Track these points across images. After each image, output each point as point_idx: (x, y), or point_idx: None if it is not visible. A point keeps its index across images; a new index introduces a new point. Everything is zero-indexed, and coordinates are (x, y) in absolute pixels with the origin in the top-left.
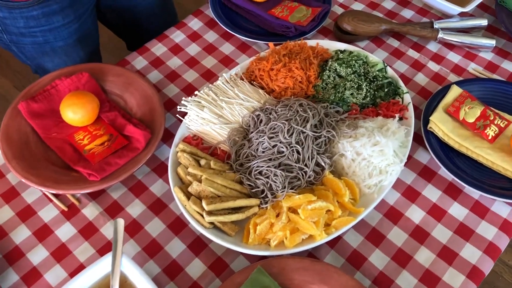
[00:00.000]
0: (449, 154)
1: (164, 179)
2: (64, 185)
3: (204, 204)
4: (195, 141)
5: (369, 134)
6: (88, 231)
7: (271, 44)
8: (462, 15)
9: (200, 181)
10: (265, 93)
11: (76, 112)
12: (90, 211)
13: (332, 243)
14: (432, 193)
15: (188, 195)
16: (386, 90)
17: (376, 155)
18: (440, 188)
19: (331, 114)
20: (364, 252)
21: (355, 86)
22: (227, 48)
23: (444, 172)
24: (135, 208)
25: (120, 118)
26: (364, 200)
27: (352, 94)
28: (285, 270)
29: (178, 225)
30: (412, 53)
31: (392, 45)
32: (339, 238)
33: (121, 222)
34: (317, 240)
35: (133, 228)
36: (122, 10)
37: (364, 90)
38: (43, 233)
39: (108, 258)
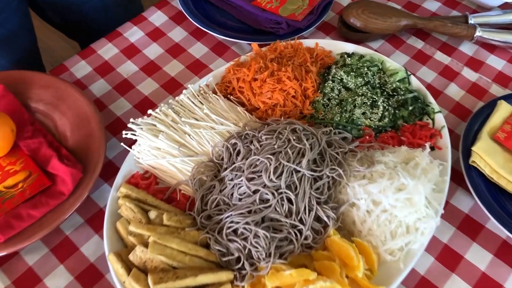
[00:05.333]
0: (500, 198)
1: (101, 234)
2: None
3: (150, 282)
4: (146, 181)
5: (390, 173)
6: None
7: (254, 45)
8: (504, 7)
9: (146, 244)
10: (245, 111)
11: None
12: None
13: None
14: (479, 256)
15: (130, 266)
16: (410, 108)
17: (401, 206)
18: (491, 249)
19: (336, 143)
20: None
21: (368, 103)
22: (198, 50)
23: (494, 225)
24: (58, 280)
25: (46, 147)
26: (384, 271)
27: (364, 113)
28: None
29: None
30: (440, 57)
31: (414, 46)
32: None
33: None
34: None
35: None
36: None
37: (381, 108)
38: None
39: None
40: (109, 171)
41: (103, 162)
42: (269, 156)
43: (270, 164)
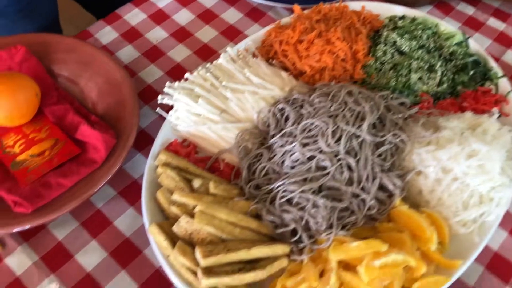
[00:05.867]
0: None
1: (137, 208)
2: None
3: (198, 255)
4: (186, 150)
5: (459, 139)
6: None
7: (296, 7)
8: None
9: (192, 215)
10: (291, 76)
11: (1, 104)
12: (19, 261)
13: None
14: None
15: (173, 238)
16: (470, 73)
17: (474, 173)
18: None
19: (395, 109)
20: None
21: (425, 67)
22: (231, 16)
23: None
24: (91, 256)
25: (73, 113)
26: (456, 246)
27: (420, 78)
28: None
29: (158, 286)
30: (494, 23)
31: (464, 12)
32: None
33: None
34: None
35: None
36: None
37: (439, 72)
38: None
39: None
40: (143, 141)
41: (136, 131)
42: (325, 119)
43: (328, 128)
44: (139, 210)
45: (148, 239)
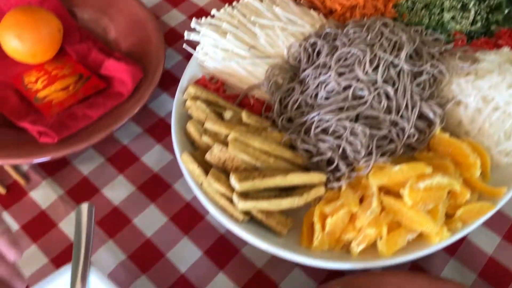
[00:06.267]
0: None
1: (164, 144)
2: (1, 151)
3: (234, 179)
4: (214, 86)
5: (498, 70)
6: (38, 227)
7: None
8: None
9: (225, 143)
10: (320, 15)
11: (24, 38)
12: (44, 195)
13: (453, 248)
14: None
15: (205, 167)
16: (506, 11)
17: None
18: None
19: (430, 44)
20: (506, 261)
21: (458, 6)
22: None
23: None
24: (118, 190)
25: (96, 52)
26: (498, 177)
27: (453, 17)
28: None
29: (188, 218)
30: None
31: None
32: (461, 239)
33: (88, 210)
34: (434, 242)
35: (114, 223)
36: None
37: (472, 11)
38: None
39: (66, 273)
40: (168, 81)
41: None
42: (363, 47)
43: (365, 56)
44: (166, 147)
45: (178, 173)
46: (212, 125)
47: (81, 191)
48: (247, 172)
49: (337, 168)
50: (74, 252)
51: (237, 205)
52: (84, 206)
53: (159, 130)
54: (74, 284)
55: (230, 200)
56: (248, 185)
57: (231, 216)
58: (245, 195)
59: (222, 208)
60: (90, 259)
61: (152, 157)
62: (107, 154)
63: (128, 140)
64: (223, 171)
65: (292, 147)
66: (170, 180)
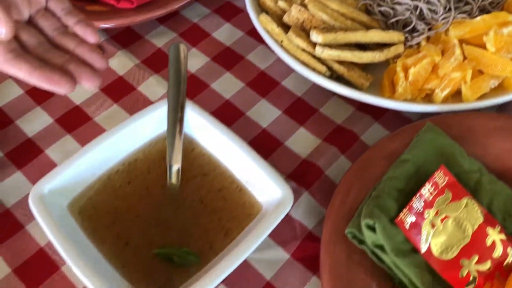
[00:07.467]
0: None
1: (234, 23)
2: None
3: (316, 34)
4: None
5: None
6: (117, 90)
7: None
8: None
9: (303, 5)
10: None
11: None
12: (120, 63)
13: None
14: None
15: (283, 29)
16: None
17: None
18: None
19: None
20: None
21: None
22: None
23: None
24: (192, 60)
25: None
26: None
27: None
28: (473, 133)
29: (264, 84)
30: None
31: None
32: None
33: (182, 47)
34: None
35: (193, 87)
36: None
37: None
38: (43, 93)
39: (160, 108)
40: None
41: None
42: None
43: None
44: (236, 25)
45: (250, 47)
46: None
47: (157, 61)
48: (327, 28)
49: (414, 29)
50: (171, 85)
51: (321, 55)
52: (179, 44)
53: (227, 10)
54: (175, 111)
55: (312, 56)
56: (331, 37)
57: (313, 69)
58: (328, 46)
59: (304, 63)
60: (185, 90)
61: (223, 34)
62: (179, 30)
63: (198, 18)
64: (302, 30)
65: (367, 12)
66: (243, 53)
